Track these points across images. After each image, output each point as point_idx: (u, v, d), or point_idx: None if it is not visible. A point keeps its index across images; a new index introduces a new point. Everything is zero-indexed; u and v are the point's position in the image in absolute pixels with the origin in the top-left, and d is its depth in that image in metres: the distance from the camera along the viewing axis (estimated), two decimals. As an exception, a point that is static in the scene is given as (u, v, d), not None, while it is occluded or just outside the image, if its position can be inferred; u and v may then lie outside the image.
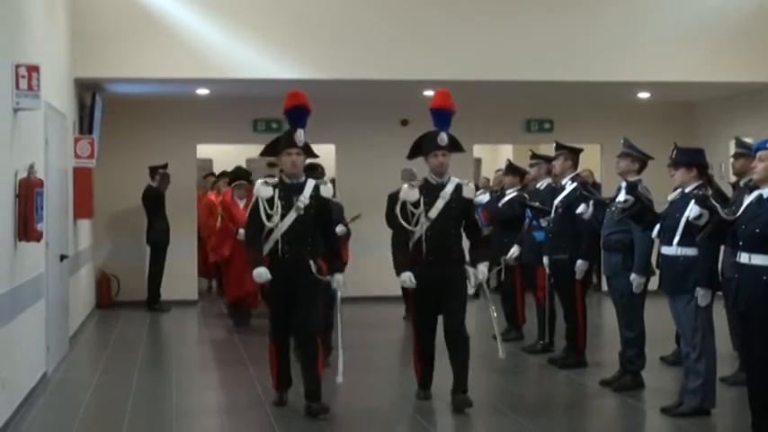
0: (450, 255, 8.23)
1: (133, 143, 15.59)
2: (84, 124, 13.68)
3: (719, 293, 7.88)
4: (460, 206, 8.27)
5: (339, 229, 10.38)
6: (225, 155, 18.31)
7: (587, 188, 10.14)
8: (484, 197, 12.90)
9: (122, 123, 15.39)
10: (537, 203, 10.72)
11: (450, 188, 8.25)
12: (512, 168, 12.10)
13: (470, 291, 8.45)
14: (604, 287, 10.24)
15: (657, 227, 8.01)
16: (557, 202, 10.11)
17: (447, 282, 8.17)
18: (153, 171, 15.19)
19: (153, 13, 12.76)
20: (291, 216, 7.94)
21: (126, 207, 15.64)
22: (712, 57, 13.61)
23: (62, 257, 10.63)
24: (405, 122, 16.10)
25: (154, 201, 15.19)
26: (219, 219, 13.50)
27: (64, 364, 10.60)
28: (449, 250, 8.22)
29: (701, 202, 7.34)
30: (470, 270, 8.28)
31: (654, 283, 8.82)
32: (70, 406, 8.70)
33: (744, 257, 6.71)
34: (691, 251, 7.63)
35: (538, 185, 11.30)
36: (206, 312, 14.95)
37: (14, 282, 8.09)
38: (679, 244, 7.66)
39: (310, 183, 8.08)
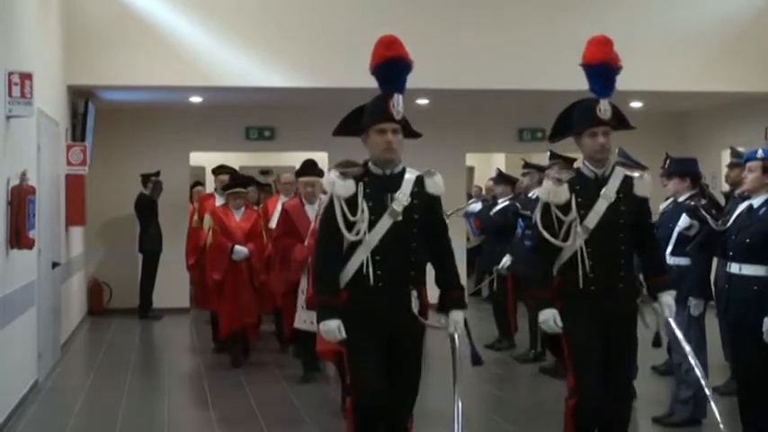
0: (618, 282, 5.72)
1: (126, 151, 15.58)
2: (77, 131, 13.67)
3: (712, 303, 7.89)
4: (632, 209, 5.77)
5: None
6: (217, 162, 18.29)
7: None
8: (476, 206, 13.00)
9: (115, 131, 15.37)
10: (529, 212, 10.73)
11: (615, 183, 5.79)
12: (502, 177, 12.11)
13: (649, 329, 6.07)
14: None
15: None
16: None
17: (614, 323, 5.72)
18: (145, 179, 15.19)
19: (146, 20, 12.75)
20: (385, 223, 5.36)
21: (118, 214, 15.63)
22: (705, 67, 13.64)
23: (54, 265, 10.62)
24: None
25: (146, 208, 15.18)
26: (210, 233, 10.97)
27: (55, 371, 10.58)
28: (617, 276, 5.72)
29: (692, 212, 7.37)
30: (650, 305, 5.90)
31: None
32: (61, 414, 8.69)
33: (734, 268, 6.72)
34: (683, 261, 7.64)
35: (530, 194, 11.31)
36: (198, 320, 14.92)
37: (6, 289, 8.08)
38: (672, 254, 7.68)
39: (411, 174, 5.51)
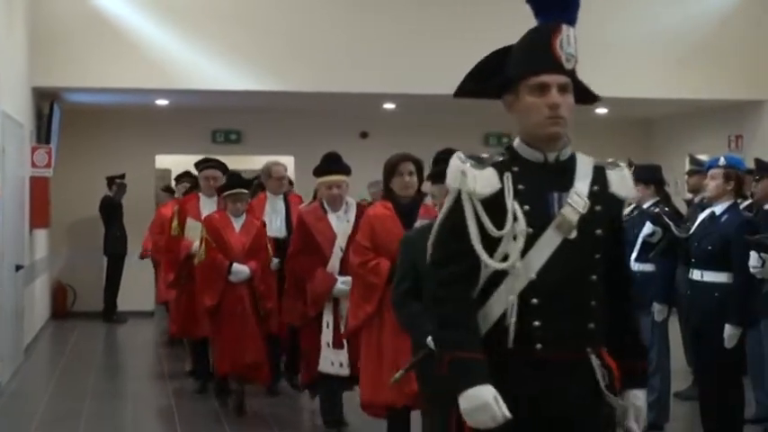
0: None
1: (91, 153, 15.51)
2: (42, 133, 13.60)
3: (675, 309, 7.96)
4: None
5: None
6: (183, 165, 18.25)
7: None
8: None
9: (81, 133, 15.29)
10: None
11: None
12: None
13: None
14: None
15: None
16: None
17: None
18: (110, 181, 15.13)
19: (112, 22, 12.69)
20: (550, 241, 3.21)
21: (83, 217, 15.55)
22: (671, 74, 13.74)
23: (17, 267, 10.54)
24: (364, 135, 16.13)
25: (111, 211, 15.12)
26: (203, 246, 8.54)
27: (18, 374, 10.51)
28: None
29: (655, 219, 7.44)
30: None
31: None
32: (24, 418, 8.62)
33: (696, 274, 6.78)
34: (648, 267, 7.72)
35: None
36: (162, 324, 14.86)
37: (-31, 292, 8.03)
38: (636, 260, 7.74)
39: (584, 162, 3.41)
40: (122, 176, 15.14)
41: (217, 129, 16.21)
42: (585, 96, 3.47)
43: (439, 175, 5.20)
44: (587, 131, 16.35)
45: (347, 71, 13.07)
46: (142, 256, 13.61)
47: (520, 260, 3.16)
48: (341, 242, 7.22)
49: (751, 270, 6.74)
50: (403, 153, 6.52)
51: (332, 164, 7.56)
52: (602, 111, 15.73)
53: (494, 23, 13.43)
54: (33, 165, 12.42)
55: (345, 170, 7.54)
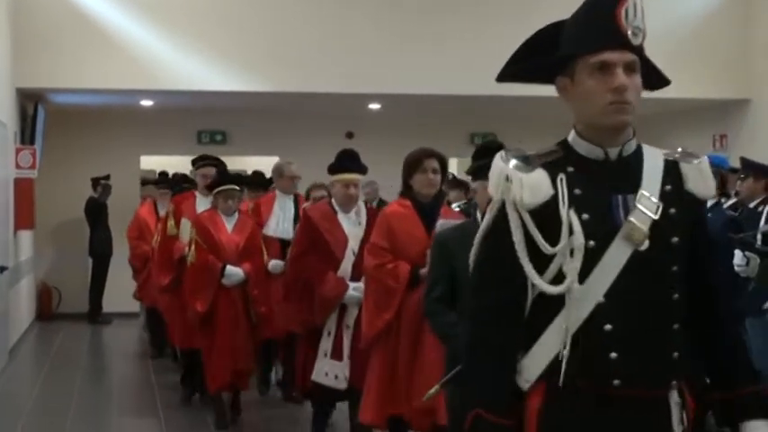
0: None
1: (76, 154, 15.47)
2: (26, 134, 13.55)
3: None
4: None
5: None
6: (168, 166, 18.22)
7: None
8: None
9: (65, 134, 15.25)
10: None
11: None
12: (456, 182, 12.15)
13: None
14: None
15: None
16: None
17: None
18: (95, 182, 15.09)
19: (97, 23, 12.66)
20: (617, 256, 2.67)
21: (68, 218, 15.51)
22: (654, 73, 13.76)
23: (2, 269, 10.51)
24: (350, 135, 16.13)
25: (96, 212, 15.07)
26: (192, 248, 7.92)
27: (3, 376, 10.48)
28: None
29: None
30: None
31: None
32: (9, 419, 8.60)
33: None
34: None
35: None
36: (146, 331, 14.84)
37: (-48, 294, 8.00)
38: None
39: (653, 156, 2.90)
40: (107, 177, 15.10)
41: (202, 129, 16.18)
42: (654, 79, 2.95)
43: (481, 170, 4.61)
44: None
45: (333, 71, 13.06)
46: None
47: (585, 279, 2.64)
48: (353, 245, 6.65)
49: (735, 269, 6.76)
50: (426, 148, 6.02)
51: (350, 162, 6.87)
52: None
53: (482, 24, 13.47)
54: (18, 166, 12.39)
55: (363, 170, 6.94)
